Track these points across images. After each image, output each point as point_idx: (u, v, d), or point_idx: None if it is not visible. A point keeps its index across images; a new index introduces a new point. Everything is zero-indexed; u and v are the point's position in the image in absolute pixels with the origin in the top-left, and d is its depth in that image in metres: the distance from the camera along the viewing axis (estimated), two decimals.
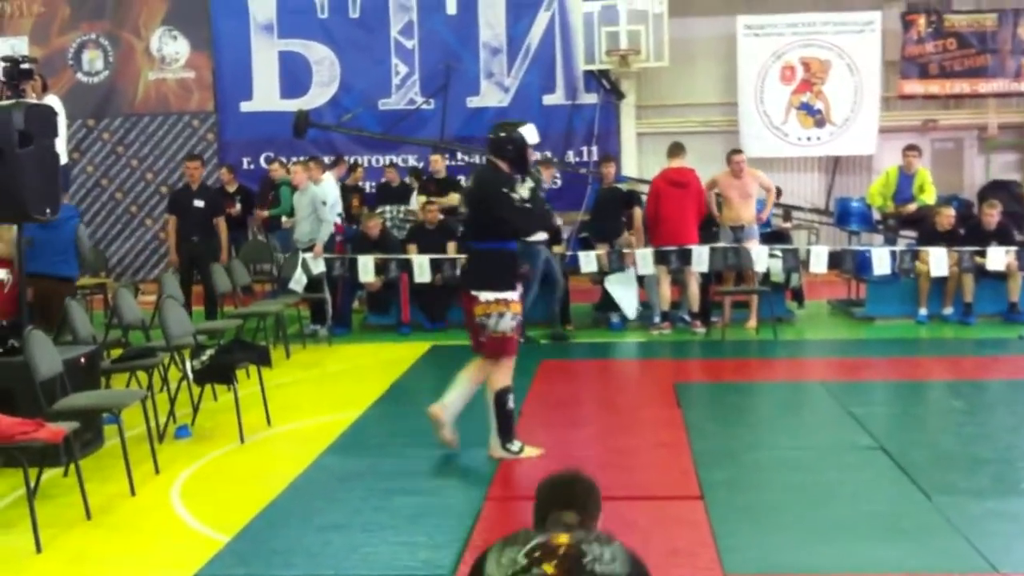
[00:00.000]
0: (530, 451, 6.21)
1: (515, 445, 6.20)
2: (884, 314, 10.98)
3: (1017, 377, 8.38)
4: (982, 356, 9.27)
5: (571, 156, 15.59)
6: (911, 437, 6.67)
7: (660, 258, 10.61)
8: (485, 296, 5.99)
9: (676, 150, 10.84)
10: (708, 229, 10.85)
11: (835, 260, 11.06)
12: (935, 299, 10.83)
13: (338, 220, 11.32)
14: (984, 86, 15.22)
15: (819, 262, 10.85)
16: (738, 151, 11.25)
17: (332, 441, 6.75)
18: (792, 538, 4.88)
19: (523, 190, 6.11)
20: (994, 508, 5.18)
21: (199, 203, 11.20)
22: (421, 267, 10.86)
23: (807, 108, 15.32)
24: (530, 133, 6.17)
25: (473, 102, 15.64)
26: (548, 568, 2.58)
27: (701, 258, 10.49)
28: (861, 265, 10.97)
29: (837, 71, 15.23)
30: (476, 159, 15.60)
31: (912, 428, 7.02)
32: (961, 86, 15.25)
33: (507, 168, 6.13)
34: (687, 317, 10.70)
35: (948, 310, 10.82)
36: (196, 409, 7.42)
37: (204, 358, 7.10)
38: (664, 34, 14.67)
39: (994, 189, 14.59)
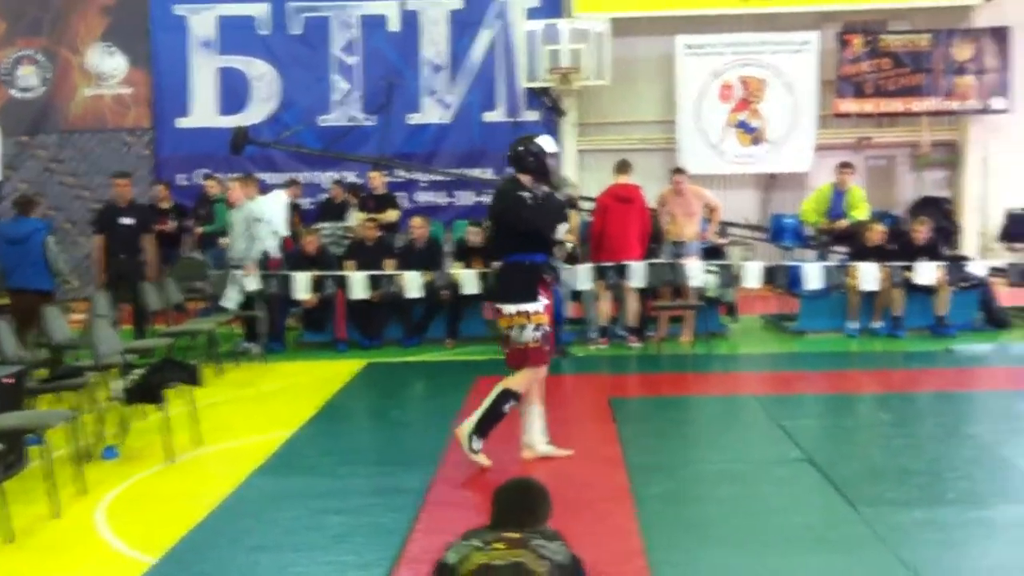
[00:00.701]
0: (481, 460, 6.24)
1: (477, 443, 6.24)
2: (816, 328, 11.14)
3: (944, 389, 8.54)
4: (910, 369, 9.42)
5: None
6: (840, 449, 6.78)
7: (599, 274, 10.66)
8: (508, 309, 6.13)
9: (623, 167, 10.91)
10: (652, 245, 10.93)
11: (769, 275, 11.20)
12: (865, 313, 11.00)
13: (287, 235, 11.32)
14: (917, 104, 15.53)
15: (753, 277, 10.98)
16: (679, 170, 11.36)
17: (263, 461, 6.68)
18: (722, 551, 4.92)
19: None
20: (920, 519, 5.27)
21: (127, 220, 11.00)
22: (358, 284, 10.82)
23: (744, 126, 15.52)
24: (548, 143, 6.29)
25: (414, 119, 15.65)
26: (500, 545, 3.06)
27: (638, 274, 10.56)
28: (794, 280, 11.12)
29: (774, 90, 15.45)
30: (417, 176, 15.64)
31: (841, 440, 7.13)
32: (895, 105, 15.54)
33: (530, 180, 6.22)
34: (623, 332, 10.78)
35: (878, 324, 11.00)
36: (125, 429, 7.31)
37: (134, 377, 7.01)
38: (606, 53, 14.82)
39: (924, 206, 14.90)
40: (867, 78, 15.40)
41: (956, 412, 7.79)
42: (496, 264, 6.39)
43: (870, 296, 10.91)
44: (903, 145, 16.16)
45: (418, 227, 11.55)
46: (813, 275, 10.81)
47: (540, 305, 6.18)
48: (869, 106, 15.52)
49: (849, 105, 15.50)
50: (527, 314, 6.12)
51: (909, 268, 10.76)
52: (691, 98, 15.39)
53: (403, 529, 5.24)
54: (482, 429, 6.25)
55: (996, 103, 15.31)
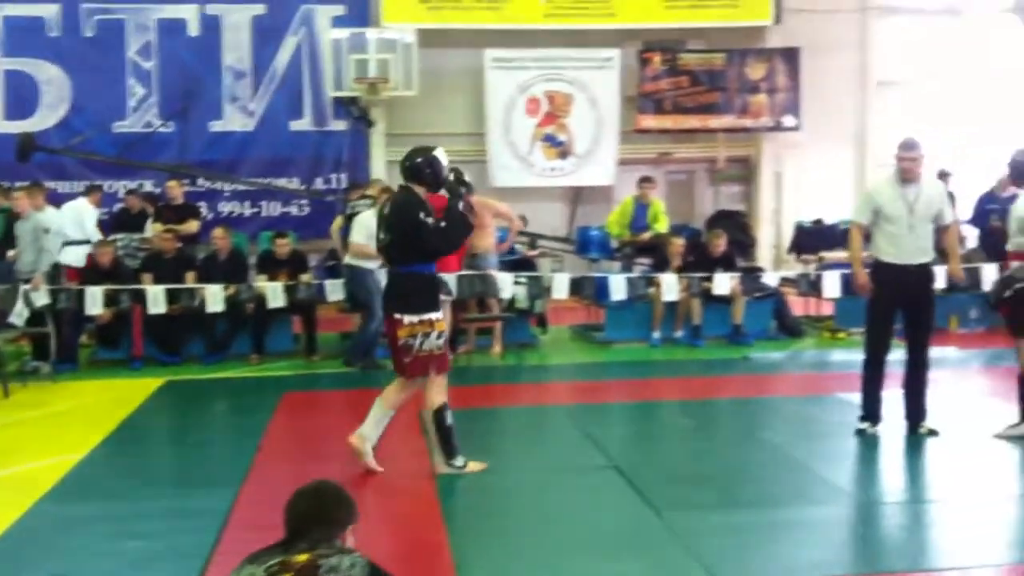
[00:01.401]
0: (474, 466, 6.35)
1: (459, 460, 6.31)
2: (621, 338, 11.42)
3: (741, 395, 8.88)
4: (709, 376, 9.76)
5: (319, 183, 15.39)
6: (643, 456, 6.93)
7: None
8: (409, 318, 6.09)
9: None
10: None
11: (576, 286, 11.41)
12: (667, 323, 11.35)
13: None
14: (714, 122, 16.20)
15: (561, 288, 11.15)
16: None
17: (53, 486, 6.28)
18: (529, 561, 4.94)
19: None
20: (718, 521, 5.43)
21: None
22: (156, 298, 10.36)
23: (551, 140, 15.81)
24: (443, 155, 6.31)
25: (216, 126, 15.19)
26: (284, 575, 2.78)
27: (449, 286, 10.53)
28: (600, 291, 11.36)
29: (579, 105, 15.81)
30: (219, 185, 15.16)
31: (645, 447, 7.30)
32: (693, 121, 16.16)
33: (424, 192, 6.18)
34: None
35: (679, 333, 11.37)
36: None
37: None
38: (413, 64, 14.78)
39: (721, 219, 15.55)
40: (666, 95, 15.95)
41: (752, 417, 8.11)
42: (394, 273, 6.34)
43: (672, 306, 11.26)
44: (701, 160, 16.83)
45: (220, 238, 11.15)
46: (618, 286, 11.08)
47: (441, 313, 6.25)
48: (669, 122, 16.09)
49: (650, 121, 16.02)
50: (430, 322, 6.13)
51: (708, 279, 11.16)
52: (499, 111, 15.56)
53: (204, 552, 5.02)
54: (448, 450, 6.32)
55: (787, 121, 16.15)
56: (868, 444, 7.12)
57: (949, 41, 17.32)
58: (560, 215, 16.31)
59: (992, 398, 8.62)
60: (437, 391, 6.31)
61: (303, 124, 15.43)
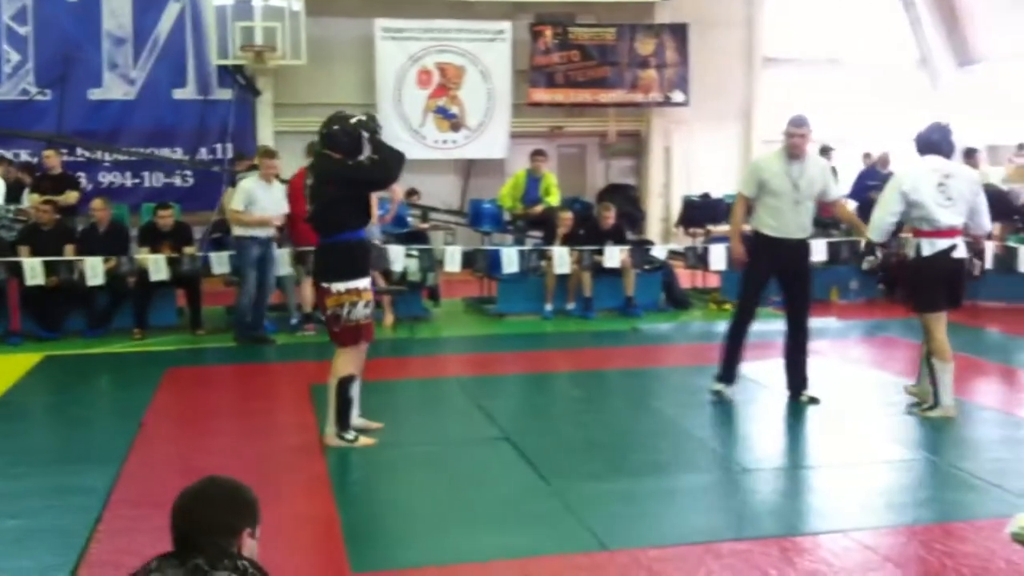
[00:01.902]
0: (365, 440, 6.31)
1: (350, 434, 6.27)
2: (514, 311, 11.45)
3: (631, 366, 8.99)
4: (600, 347, 9.86)
5: (204, 153, 15.02)
6: (535, 426, 6.97)
7: (298, 258, 10.42)
8: (337, 287, 6.07)
9: (311, 149, 10.69)
10: None
11: (469, 259, 11.39)
12: (560, 295, 11.43)
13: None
14: (604, 96, 16.33)
15: (453, 261, 11.13)
16: None
17: None
18: (420, 532, 4.93)
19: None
20: (607, 489, 5.50)
21: None
22: (33, 271, 9.98)
23: (443, 112, 15.72)
24: (362, 124, 6.17)
25: (95, 94, 14.69)
26: None
27: (385, 256, 10.40)
28: (493, 264, 11.37)
29: (471, 77, 15.75)
30: (99, 155, 14.67)
31: (536, 418, 7.34)
32: (584, 95, 16.26)
33: (343, 159, 6.09)
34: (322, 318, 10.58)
35: (571, 305, 11.46)
36: None
37: None
38: (301, 32, 14.53)
39: (612, 192, 15.71)
40: (558, 69, 16.00)
41: (641, 387, 8.23)
42: (322, 243, 6.25)
43: (563, 279, 11.33)
44: (593, 135, 16.96)
45: (99, 209, 10.77)
46: (510, 259, 11.09)
47: (368, 281, 6.22)
48: (560, 96, 16.16)
49: (542, 95, 16.06)
50: (358, 291, 6.11)
51: (598, 252, 11.26)
52: (390, 82, 15.40)
53: (85, 531, 4.87)
54: (343, 422, 6.28)
55: (676, 96, 16.37)
56: (752, 413, 7.31)
57: (833, 20, 17.79)
58: (452, 188, 16.27)
59: (870, 368, 8.93)
60: (346, 361, 6.27)
61: (187, 93, 15.03)
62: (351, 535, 4.82)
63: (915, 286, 6.92)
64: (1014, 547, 3.16)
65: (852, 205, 13.73)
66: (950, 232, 6.68)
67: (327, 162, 6.17)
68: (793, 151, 7.09)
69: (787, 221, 7.09)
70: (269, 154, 10.24)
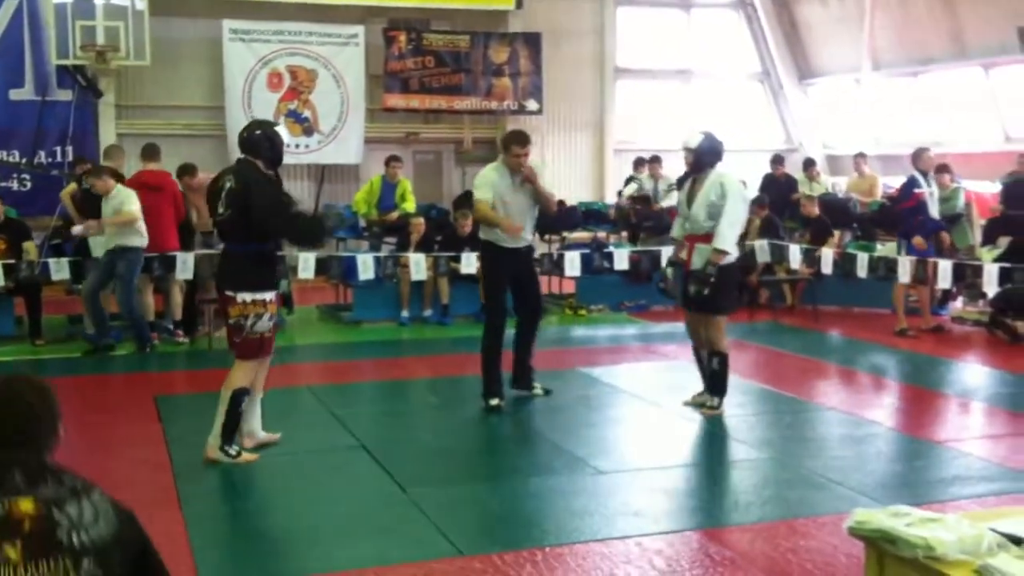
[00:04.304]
0: (247, 456, 6.09)
1: (233, 449, 6.06)
2: (370, 317, 11.33)
3: None
4: (456, 354, 9.83)
5: (43, 157, 14.36)
6: (391, 434, 6.92)
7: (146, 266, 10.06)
8: (243, 297, 5.91)
9: (151, 152, 10.38)
10: (186, 235, 10.48)
11: (323, 266, 11.19)
12: (416, 302, 11.36)
13: None
14: (459, 103, 16.34)
15: (307, 268, 10.92)
16: (185, 168, 10.82)
17: None
18: (272, 544, 4.83)
19: None
20: (460, 495, 5.52)
21: None
22: None
23: (295, 116, 15.45)
24: (284, 131, 6.20)
25: None
26: (12, 553, 2.08)
27: (187, 265, 10.11)
28: (348, 271, 11.22)
29: (324, 81, 15.53)
30: None
31: (393, 425, 7.28)
32: (439, 102, 16.23)
33: (264, 166, 6.00)
34: (170, 327, 10.27)
35: (428, 312, 11.41)
36: None
37: None
38: (145, 32, 14.05)
39: (468, 199, 15.65)
40: (412, 75, 15.94)
41: None
42: (230, 249, 6.07)
43: (419, 285, 11.27)
44: (448, 141, 16.95)
45: None
46: (366, 266, 10.97)
47: (274, 294, 6.08)
48: (415, 102, 16.10)
49: (397, 100, 15.97)
50: (264, 302, 5.96)
51: (455, 258, 11.24)
52: (239, 85, 15.06)
53: None
54: (228, 436, 6.05)
55: (530, 105, 16.51)
56: (606, 417, 7.42)
57: (682, 33, 18.28)
58: (306, 193, 15.97)
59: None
60: (243, 374, 6.04)
61: (24, 93, 14.36)
62: (200, 551, 4.66)
63: (726, 290, 7.17)
64: (855, 542, 3.28)
65: None
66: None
67: (251, 170, 6.00)
68: (513, 168, 7.23)
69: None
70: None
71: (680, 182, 7.42)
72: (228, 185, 5.96)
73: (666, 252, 11.53)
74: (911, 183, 10.52)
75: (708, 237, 7.03)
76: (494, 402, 7.36)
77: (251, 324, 5.95)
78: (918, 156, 10.55)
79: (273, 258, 6.18)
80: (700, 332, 7.30)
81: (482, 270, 7.75)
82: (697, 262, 7.07)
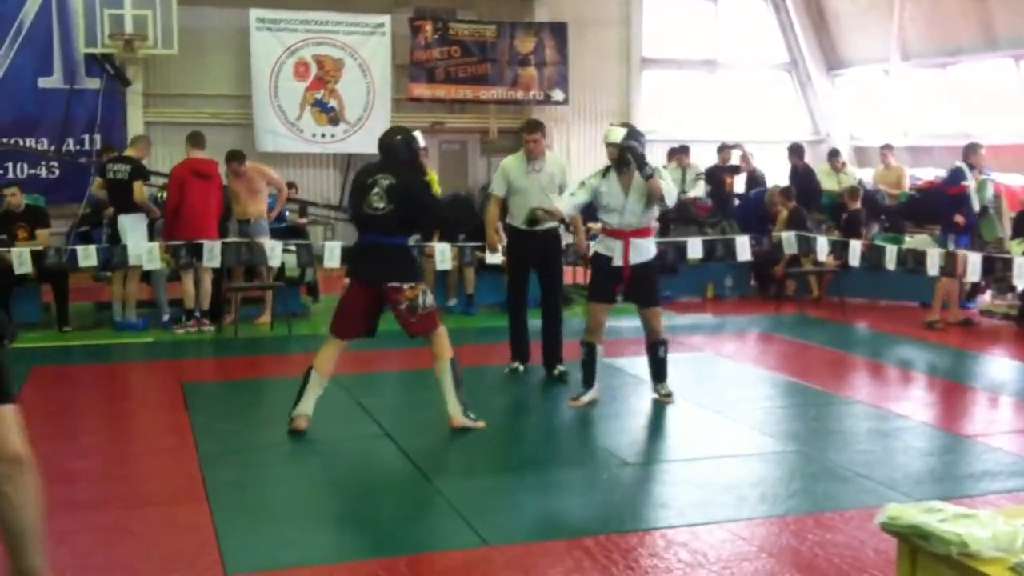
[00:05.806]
0: (481, 423, 6.57)
1: (473, 413, 6.59)
2: None
3: (510, 362, 8.96)
4: (482, 344, 9.82)
5: (71, 145, 14.46)
6: (415, 423, 6.91)
7: (172, 253, 10.10)
8: (409, 284, 6.41)
9: (197, 140, 10.35)
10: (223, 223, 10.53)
11: (348, 255, 11.19)
12: (440, 291, 11.34)
13: None
14: (485, 93, 16.32)
15: (333, 257, 10.93)
16: (234, 155, 10.81)
17: None
18: (299, 532, 4.81)
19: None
20: (485, 485, 5.52)
21: None
22: None
23: (321, 105, 15.49)
24: (421, 137, 6.69)
25: None
26: None
27: (213, 253, 10.14)
28: None
29: (350, 70, 15.55)
30: None
31: (417, 415, 7.26)
32: (465, 92, 16.22)
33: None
34: (197, 315, 10.30)
35: (452, 301, 11.41)
36: None
37: None
38: (173, 21, 14.10)
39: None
40: (438, 64, 15.93)
41: (522, 383, 8.21)
42: (393, 243, 6.48)
43: (444, 275, 11.27)
44: (473, 131, 16.93)
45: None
46: None
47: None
48: (441, 92, 16.09)
49: (422, 90, 15.97)
50: (420, 284, 6.51)
51: (480, 248, 11.21)
52: (265, 74, 15.10)
53: None
54: (463, 400, 6.60)
55: (556, 95, 16.48)
56: (630, 408, 7.39)
57: (708, 23, 18.18)
58: (332, 182, 16.03)
59: (744, 363, 9.14)
60: (445, 343, 6.61)
61: (52, 81, 14.46)
62: (225, 536, 4.67)
63: (658, 281, 7.40)
64: (883, 536, 3.25)
65: None
66: None
67: (405, 170, 6.47)
68: (530, 154, 7.84)
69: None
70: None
71: (603, 175, 7.23)
72: (387, 183, 6.34)
73: (692, 243, 11.55)
74: (958, 173, 10.44)
75: (645, 231, 7.11)
76: (513, 366, 8.19)
77: (422, 302, 6.43)
78: (972, 150, 10.51)
79: (412, 250, 6.94)
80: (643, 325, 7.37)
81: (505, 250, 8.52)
82: (634, 257, 7.03)
